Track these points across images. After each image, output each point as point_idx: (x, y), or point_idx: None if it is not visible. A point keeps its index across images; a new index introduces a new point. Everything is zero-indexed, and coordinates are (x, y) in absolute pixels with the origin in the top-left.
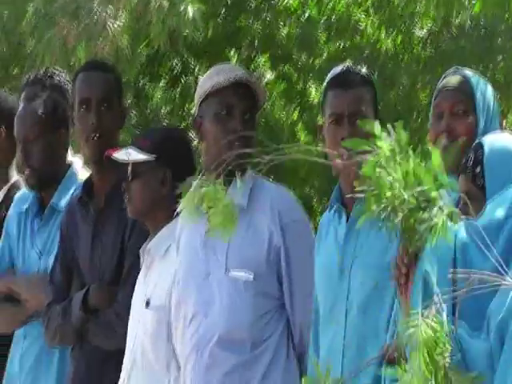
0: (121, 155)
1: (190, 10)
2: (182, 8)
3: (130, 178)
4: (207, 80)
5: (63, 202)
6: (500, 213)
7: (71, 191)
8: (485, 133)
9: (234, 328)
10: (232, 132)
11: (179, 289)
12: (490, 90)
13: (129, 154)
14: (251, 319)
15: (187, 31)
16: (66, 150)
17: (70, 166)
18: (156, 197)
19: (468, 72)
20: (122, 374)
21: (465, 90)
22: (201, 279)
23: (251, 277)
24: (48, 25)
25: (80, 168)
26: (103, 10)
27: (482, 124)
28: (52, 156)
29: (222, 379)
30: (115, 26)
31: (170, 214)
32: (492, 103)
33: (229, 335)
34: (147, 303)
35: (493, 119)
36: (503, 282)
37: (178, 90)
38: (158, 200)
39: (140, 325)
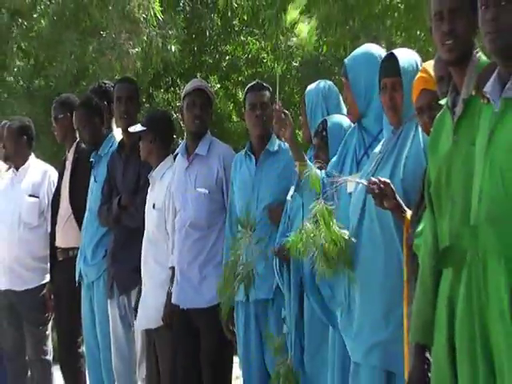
0: (131, 128)
1: (173, 48)
2: (168, 47)
3: (140, 140)
4: (185, 88)
5: (104, 152)
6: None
7: (109, 145)
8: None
9: (198, 218)
10: (195, 115)
11: (173, 196)
12: (336, 92)
13: (134, 128)
14: (207, 213)
15: (174, 61)
16: (106, 124)
17: (110, 132)
18: (149, 149)
19: (323, 82)
20: (143, 246)
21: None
22: (183, 192)
23: (207, 192)
24: (100, 55)
25: (119, 134)
26: (127, 43)
27: (332, 111)
28: (95, 128)
29: (192, 244)
30: (133, 51)
31: (161, 158)
32: (337, 100)
33: (195, 221)
34: (153, 206)
35: (339, 108)
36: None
37: (169, 95)
38: (151, 151)
39: (149, 218)
